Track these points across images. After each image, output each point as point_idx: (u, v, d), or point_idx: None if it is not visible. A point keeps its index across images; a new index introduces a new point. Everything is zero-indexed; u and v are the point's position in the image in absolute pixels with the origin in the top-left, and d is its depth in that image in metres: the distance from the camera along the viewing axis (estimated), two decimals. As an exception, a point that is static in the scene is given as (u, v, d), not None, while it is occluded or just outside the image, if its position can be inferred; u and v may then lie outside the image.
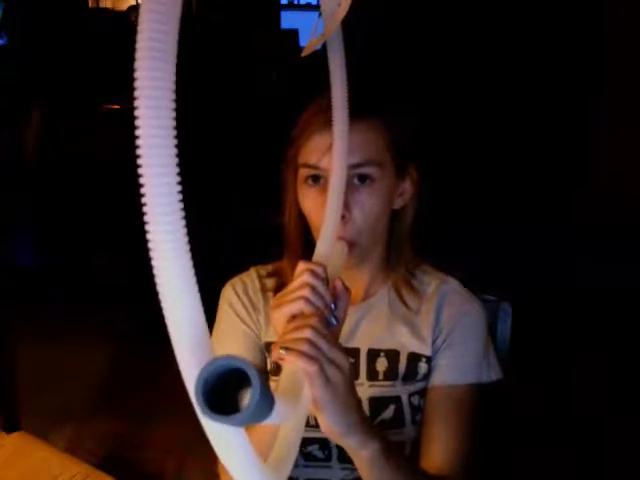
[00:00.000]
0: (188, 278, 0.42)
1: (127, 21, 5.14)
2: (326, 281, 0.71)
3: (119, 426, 2.26)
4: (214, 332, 0.99)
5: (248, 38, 5.01)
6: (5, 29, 5.01)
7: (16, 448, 1.39)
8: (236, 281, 1.02)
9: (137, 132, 0.38)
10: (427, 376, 0.94)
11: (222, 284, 1.02)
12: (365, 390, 0.93)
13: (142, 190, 0.39)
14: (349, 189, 0.83)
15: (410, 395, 0.94)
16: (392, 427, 0.93)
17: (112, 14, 6.11)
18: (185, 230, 0.41)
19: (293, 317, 0.68)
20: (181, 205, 0.41)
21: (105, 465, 1.40)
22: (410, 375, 0.94)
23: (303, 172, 0.89)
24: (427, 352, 0.94)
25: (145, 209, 0.39)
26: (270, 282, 1.00)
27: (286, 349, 0.62)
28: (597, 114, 4.06)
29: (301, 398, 0.60)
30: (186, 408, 0.44)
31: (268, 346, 0.96)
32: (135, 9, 5.38)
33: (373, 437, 0.71)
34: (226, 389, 0.42)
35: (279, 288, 0.95)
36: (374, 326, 0.96)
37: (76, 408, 2.33)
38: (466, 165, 4.00)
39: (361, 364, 0.94)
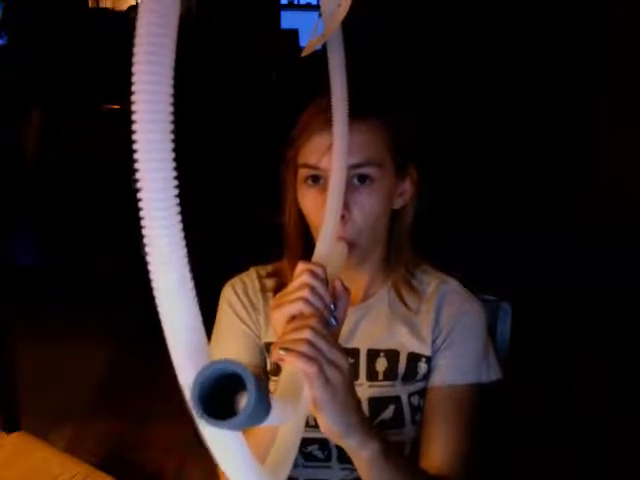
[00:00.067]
0: (184, 274, 0.42)
1: (127, 21, 5.14)
2: (326, 281, 0.71)
3: (119, 426, 2.26)
4: (214, 332, 0.99)
5: (248, 38, 5.00)
6: (5, 29, 5.00)
7: (16, 448, 1.39)
8: (236, 281, 1.02)
9: (134, 127, 0.38)
10: (427, 376, 0.94)
11: (222, 284, 1.02)
12: (365, 390, 0.93)
13: (138, 185, 0.39)
14: (349, 189, 0.83)
15: (410, 395, 0.94)
16: (392, 427, 0.93)
17: (112, 14, 6.11)
18: (181, 225, 0.41)
19: (293, 318, 0.68)
20: (177, 200, 0.40)
21: (105, 465, 1.40)
22: (410, 375, 0.94)
23: (303, 172, 0.89)
24: (427, 352, 0.94)
25: (141, 204, 0.39)
26: (270, 282, 1.00)
27: (285, 350, 0.62)
28: (597, 114, 4.06)
29: (300, 399, 0.60)
30: (186, 408, 0.44)
31: (268, 346, 0.96)
32: (135, 9, 5.38)
33: (372, 437, 0.71)
34: (223, 393, 0.42)
35: (279, 288, 0.95)
36: (374, 326, 0.96)
37: (76, 408, 2.33)
38: (466, 165, 4.00)
39: (361, 364, 0.94)
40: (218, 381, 0.42)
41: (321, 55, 0.77)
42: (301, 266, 0.71)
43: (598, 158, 4.05)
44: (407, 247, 0.97)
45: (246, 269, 1.04)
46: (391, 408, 0.93)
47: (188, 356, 0.43)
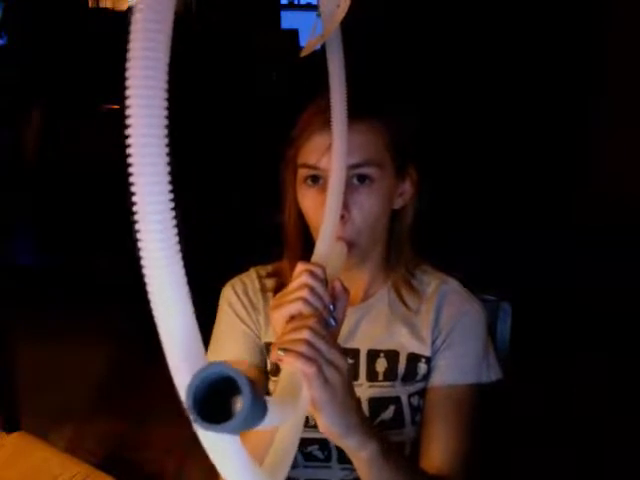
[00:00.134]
0: (178, 279, 0.42)
1: (127, 21, 5.12)
2: (325, 282, 0.71)
3: (119, 426, 2.26)
4: (214, 332, 0.99)
5: (248, 38, 5.00)
6: (5, 29, 5.00)
7: (16, 448, 1.39)
8: (236, 281, 1.02)
9: (128, 131, 0.38)
10: (427, 376, 0.94)
11: (222, 284, 1.02)
12: (365, 391, 0.93)
13: (133, 189, 0.39)
14: (348, 189, 0.83)
15: (410, 395, 0.94)
16: (392, 427, 0.93)
17: (112, 14, 6.10)
18: (176, 230, 0.41)
19: (292, 318, 0.68)
20: (172, 205, 0.40)
21: (105, 465, 1.40)
22: (410, 376, 0.94)
23: (302, 172, 0.89)
24: (427, 352, 0.94)
25: (135, 208, 0.39)
26: (270, 282, 1.00)
27: (284, 350, 0.62)
28: (597, 114, 4.06)
29: (299, 399, 0.60)
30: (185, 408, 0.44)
31: (268, 346, 0.96)
32: (135, 9, 5.35)
33: (372, 438, 0.71)
34: (219, 396, 0.42)
35: (279, 288, 0.95)
36: (374, 326, 0.96)
37: (76, 408, 2.33)
38: (466, 165, 4.00)
39: (361, 365, 0.94)
40: (213, 385, 0.42)
41: (321, 55, 0.77)
42: (300, 266, 0.71)
43: (598, 158, 4.05)
44: (407, 247, 0.97)
45: (246, 269, 1.04)
46: (391, 408, 0.93)
47: (184, 359, 0.43)
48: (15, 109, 3.98)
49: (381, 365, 0.94)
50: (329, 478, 0.94)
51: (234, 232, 3.60)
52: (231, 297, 0.99)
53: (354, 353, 0.95)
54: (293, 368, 0.62)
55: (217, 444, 0.46)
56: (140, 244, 0.40)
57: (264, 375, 0.97)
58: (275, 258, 1.02)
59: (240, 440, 0.47)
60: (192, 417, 0.41)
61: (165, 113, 0.39)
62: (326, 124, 0.79)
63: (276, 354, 0.63)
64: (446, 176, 3.27)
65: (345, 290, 0.73)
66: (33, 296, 3.10)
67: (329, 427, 0.66)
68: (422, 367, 0.94)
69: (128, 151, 0.38)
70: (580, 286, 3.13)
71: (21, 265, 3.58)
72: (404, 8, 4.39)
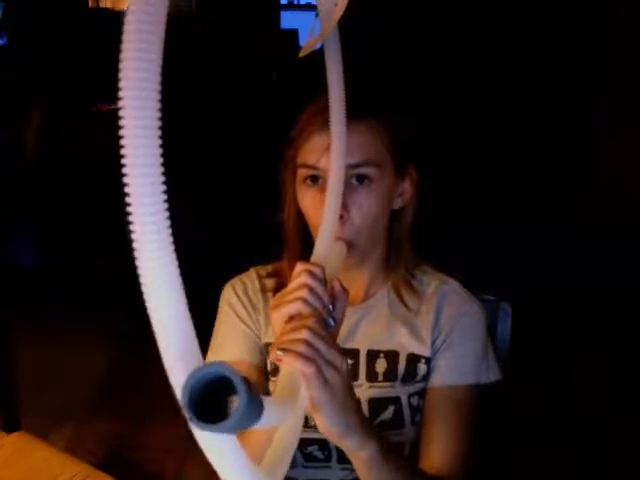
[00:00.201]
0: (173, 279, 0.42)
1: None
2: (324, 282, 0.71)
3: (119, 426, 2.26)
4: (214, 332, 0.99)
5: (248, 38, 5.00)
6: (5, 29, 5.00)
7: (16, 448, 1.39)
8: (236, 281, 1.02)
9: (122, 132, 0.38)
10: (426, 377, 0.94)
11: (222, 284, 1.02)
12: (364, 391, 0.93)
13: (126, 189, 0.39)
14: (347, 189, 0.83)
15: (409, 396, 0.94)
16: (391, 428, 0.93)
17: (112, 14, 6.09)
18: (170, 230, 0.41)
19: (291, 318, 0.68)
20: (166, 205, 0.40)
21: (105, 465, 1.40)
22: (409, 376, 0.94)
23: (302, 172, 0.89)
24: (426, 353, 0.94)
25: (129, 209, 0.39)
26: (270, 282, 1.00)
27: (283, 350, 0.62)
28: (597, 114, 4.06)
29: (298, 399, 0.60)
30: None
31: (268, 346, 0.96)
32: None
33: (371, 438, 0.71)
34: (215, 396, 0.42)
35: (279, 288, 0.95)
36: (374, 327, 0.96)
37: (76, 408, 2.33)
38: (466, 165, 4.00)
39: (360, 365, 0.94)
40: (209, 384, 0.42)
41: (320, 55, 0.77)
42: (300, 266, 0.71)
43: (598, 158, 4.05)
44: (407, 247, 0.97)
45: (246, 269, 1.04)
46: (391, 409, 0.93)
47: (179, 358, 0.43)
48: (15, 109, 3.98)
49: (381, 365, 0.94)
50: (329, 478, 0.94)
51: (234, 232, 3.60)
52: (231, 297, 0.99)
53: (354, 353, 0.95)
54: (292, 368, 0.62)
55: (214, 443, 0.46)
56: (134, 244, 0.40)
57: (264, 375, 0.97)
58: (275, 258, 1.02)
59: (238, 440, 0.47)
60: (188, 417, 0.41)
61: (159, 114, 0.39)
62: (325, 124, 0.79)
63: (275, 354, 0.63)
64: (446, 176, 3.27)
65: (344, 290, 0.73)
66: (33, 296, 3.10)
67: (328, 427, 0.66)
68: (422, 367, 0.94)
69: (122, 152, 0.38)
70: (580, 286, 3.13)
71: (21, 265, 3.58)
72: (403, 7, 4.39)
